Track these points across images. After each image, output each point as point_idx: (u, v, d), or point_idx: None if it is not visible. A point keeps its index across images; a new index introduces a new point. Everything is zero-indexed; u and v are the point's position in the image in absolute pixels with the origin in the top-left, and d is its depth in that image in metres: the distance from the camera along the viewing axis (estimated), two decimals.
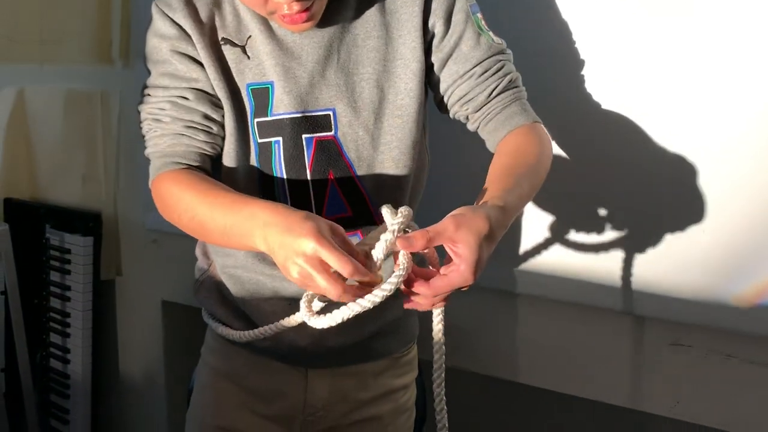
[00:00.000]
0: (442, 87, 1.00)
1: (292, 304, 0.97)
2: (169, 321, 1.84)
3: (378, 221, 0.89)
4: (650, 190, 1.19)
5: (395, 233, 0.78)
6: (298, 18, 0.89)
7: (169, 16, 0.95)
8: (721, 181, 1.12)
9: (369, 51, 0.97)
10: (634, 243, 1.21)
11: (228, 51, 0.95)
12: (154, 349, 1.86)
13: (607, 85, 1.19)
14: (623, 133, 1.18)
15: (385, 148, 0.98)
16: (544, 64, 1.20)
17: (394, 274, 0.76)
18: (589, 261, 1.24)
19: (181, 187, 0.92)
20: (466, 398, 1.68)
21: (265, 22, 0.95)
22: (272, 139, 0.96)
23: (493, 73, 0.98)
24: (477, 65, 0.98)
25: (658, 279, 1.19)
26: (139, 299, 1.86)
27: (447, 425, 0.91)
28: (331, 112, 0.96)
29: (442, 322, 0.83)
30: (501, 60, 0.99)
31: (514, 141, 0.97)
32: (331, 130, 0.96)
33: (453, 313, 1.38)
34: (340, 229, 0.78)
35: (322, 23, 0.95)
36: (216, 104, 0.96)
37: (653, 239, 1.19)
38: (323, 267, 0.75)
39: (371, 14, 0.97)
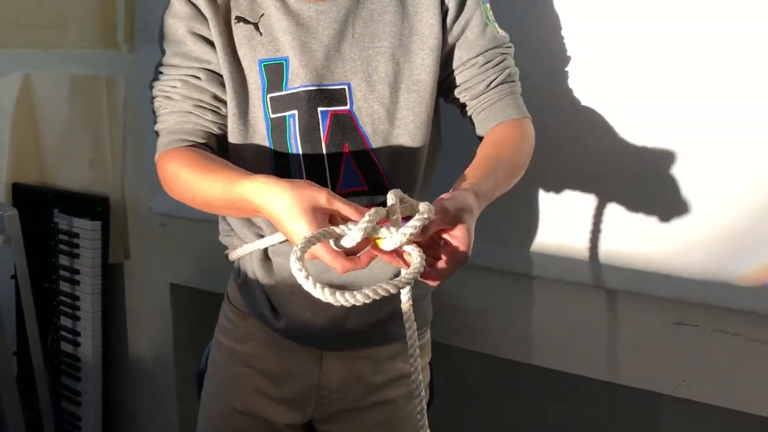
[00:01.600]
0: (445, 70, 1.02)
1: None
2: (177, 304, 1.85)
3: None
4: (657, 173, 1.18)
5: (417, 228, 0.76)
6: None
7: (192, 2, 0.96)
8: (726, 161, 1.12)
9: (385, 25, 0.97)
10: (640, 225, 1.21)
11: (241, 29, 0.96)
12: (163, 332, 1.87)
13: (612, 76, 1.19)
14: (633, 118, 1.18)
15: (401, 122, 0.98)
16: (538, 61, 1.21)
17: (414, 264, 0.76)
18: (592, 242, 1.25)
19: (181, 164, 0.93)
20: (477, 379, 1.69)
21: (280, 2, 0.96)
22: (287, 113, 0.96)
23: (495, 65, 1.01)
24: (480, 54, 1.00)
25: (664, 258, 1.19)
26: (147, 282, 1.88)
27: (425, 406, 0.91)
28: (346, 86, 0.96)
29: (410, 301, 0.84)
30: (503, 53, 1.01)
31: (502, 133, 0.99)
32: (346, 104, 0.97)
33: (465, 297, 1.40)
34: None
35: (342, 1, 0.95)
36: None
37: (660, 220, 1.19)
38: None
39: None
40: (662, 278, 1.21)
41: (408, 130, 0.98)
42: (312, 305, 1.00)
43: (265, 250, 1.04)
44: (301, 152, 0.97)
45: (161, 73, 0.99)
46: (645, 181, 1.20)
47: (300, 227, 0.76)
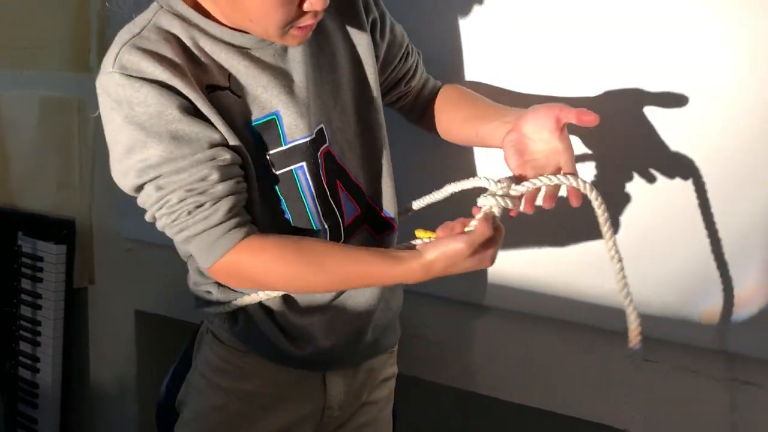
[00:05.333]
0: (385, 70, 1.07)
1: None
2: (142, 331, 1.82)
3: (378, 210, 1.03)
4: (620, 206, 1.20)
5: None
6: (311, 26, 0.90)
7: (155, 80, 0.85)
8: (688, 197, 1.13)
9: (334, 56, 1.00)
10: (602, 258, 1.21)
11: (218, 96, 0.91)
12: (126, 360, 1.84)
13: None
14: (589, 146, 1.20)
15: (369, 142, 1.02)
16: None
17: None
18: (559, 275, 1.25)
19: (277, 255, 0.92)
20: (444, 413, 1.68)
21: (245, 55, 0.92)
22: (293, 167, 0.95)
23: (413, 51, 1.10)
24: (407, 45, 1.08)
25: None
26: (112, 308, 1.84)
27: None
28: (322, 125, 0.97)
29: None
30: (408, 43, 1.10)
31: (454, 88, 1.12)
32: (326, 142, 0.98)
33: (424, 326, 1.41)
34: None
35: None
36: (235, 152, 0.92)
37: (622, 255, 1.20)
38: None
39: (327, 20, 0.99)
40: (624, 313, 1.21)
41: (376, 146, 1.03)
42: (334, 325, 1.03)
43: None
44: (315, 199, 0.97)
45: (170, 173, 0.87)
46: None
47: (470, 260, 0.88)
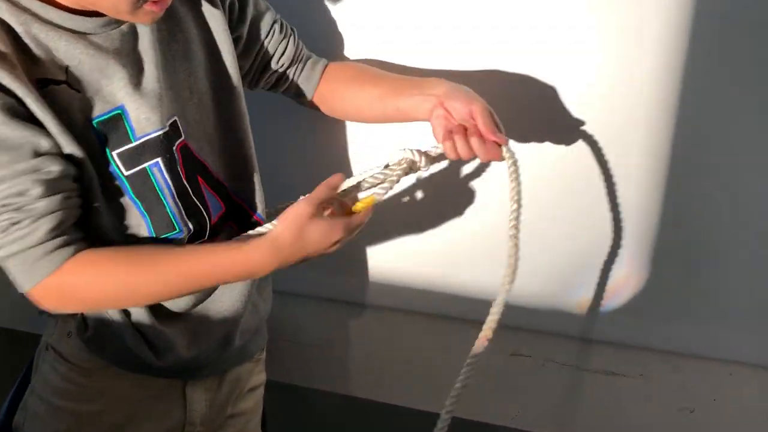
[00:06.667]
0: (251, 51, 1.02)
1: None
2: None
3: (244, 208, 0.99)
4: (493, 198, 1.20)
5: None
6: (168, 1, 0.82)
7: None
8: (566, 187, 1.15)
9: (194, 45, 0.93)
10: (474, 250, 1.22)
11: (53, 92, 0.81)
12: None
13: None
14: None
15: (230, 134, 0.97)
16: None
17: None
18: (431, 270, 1.25)
19: (103, 268, 0.84)
20: (313, 419, 1.64)
21: (88, 43, 0.83)
22: (147, 164, 0.87)
23: (287, 28, 1.05)
24: (275, 23, 1.03)
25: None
26: None
27: None
28: (176, 117, 0.90)
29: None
30: (280, 17, 1.05)
31: (351, 66, 1.09)
32: (181, 135, 0.91)
33: (296, 329, 1.36)
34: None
35: (144, 28, 0.88)
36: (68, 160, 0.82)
37: (493, 246, 1.20)
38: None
39: (179, 6, 0.93)
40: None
41: (237, 139, 0.98)
42: (199, 331, 0.98)
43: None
44: (176, 198, 0.89)
45: None
46: (481, 208, 1.20)
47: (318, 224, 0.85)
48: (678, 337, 1.19)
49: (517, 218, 0.91)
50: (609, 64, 1.06)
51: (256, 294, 1.05)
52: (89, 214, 0.85)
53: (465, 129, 0.92)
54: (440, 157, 0.93)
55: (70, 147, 0.80)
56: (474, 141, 0.91)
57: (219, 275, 0.88)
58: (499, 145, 0.91)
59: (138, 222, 0.89)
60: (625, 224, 1.14)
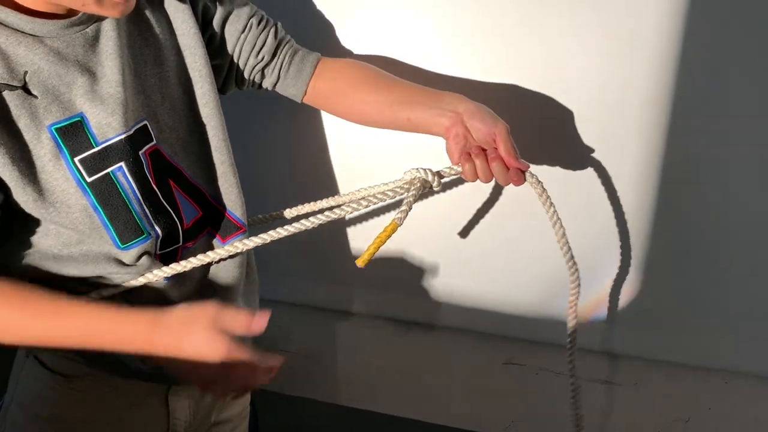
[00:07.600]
0: (229, 47, 0.99)
1: None
2: None
3: (222, 211, 0.97)
4: (486, 211, 1.19)
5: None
6: None
7: None
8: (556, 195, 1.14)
9: (166, 50, 0.92)
10: (470, 261, 1.21)
11: (7, 97, 0.79)
12: None
13: None
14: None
15: (205, 139, 0.95)
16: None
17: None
18: (425, 279, 1.24)
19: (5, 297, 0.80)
20: (300, 427, 1.62)
21: (48, 50, 0.82)
22: (111, 169, 0.85)
23: (267, 21, 1.01)
24: (252, 17, 0.99)
25: (494, 296, 1.20)
26: None
27: None
28: (146, 122, 0.89)
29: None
30: (260, 11, 1.01)
31: (362, 67, 1.03)
32: (152, 140, 0.90)
33: (285, 336, 1.35)
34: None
35: (109, 32, 0.87)
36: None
37: (488, 257, 1.20)
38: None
39: (150, 12, 0.91)
40: (491, 315, 1.21)
41: (214, 144, 0.96)
42: None
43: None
44: (142, 202, 0.88)
45: None
46: (474, 217, 1.20)
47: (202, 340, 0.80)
48: (673, 346, 1.18)
49: (563, 235, 0.93)
50: (603, 67, 1.05)
51: (243, 301, 1.03)
52: (27, 237, 0.84)
53: (484, 150, 0.90)
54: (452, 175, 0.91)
55: (10, 160, 0.79)
56: (495, 167, 0.89)
57: (95, 339, 0.84)
58: (522, 171, 0.90)
59: (96, 231, 0.87)
60: (619, 235, 1.13)
